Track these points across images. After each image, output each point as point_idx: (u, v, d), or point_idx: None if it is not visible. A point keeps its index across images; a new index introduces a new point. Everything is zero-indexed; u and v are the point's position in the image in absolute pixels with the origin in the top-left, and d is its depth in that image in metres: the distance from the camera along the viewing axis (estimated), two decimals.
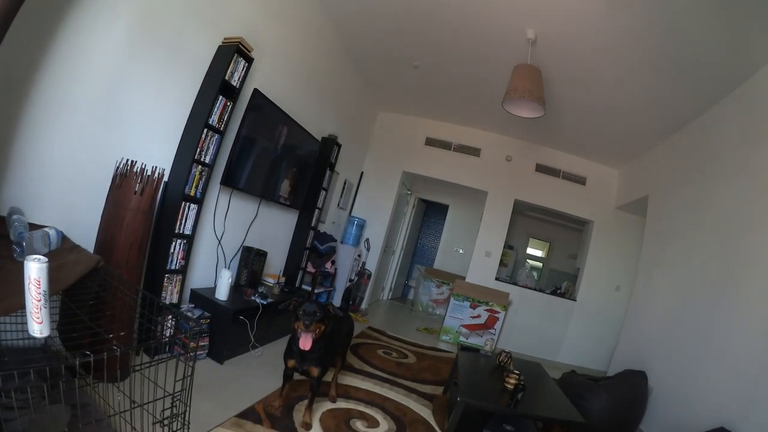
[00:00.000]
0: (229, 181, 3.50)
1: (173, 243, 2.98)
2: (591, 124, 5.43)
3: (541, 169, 6.81)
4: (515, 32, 3.85)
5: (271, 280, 4.30)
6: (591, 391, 3.52)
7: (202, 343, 3.13)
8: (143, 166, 2.43)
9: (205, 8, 3.01)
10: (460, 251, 9.51)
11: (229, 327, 3.22)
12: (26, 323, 1.22)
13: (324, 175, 5.25)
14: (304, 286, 5.30)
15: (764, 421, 2.52)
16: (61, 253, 1.80)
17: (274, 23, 3.76)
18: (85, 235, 2.30)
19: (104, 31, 2.32)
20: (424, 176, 7.31)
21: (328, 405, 2.95)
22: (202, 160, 3.04)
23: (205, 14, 3.00)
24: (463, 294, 6.31)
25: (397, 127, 7.23)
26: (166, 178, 2.88)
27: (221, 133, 3.16)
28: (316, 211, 5.26)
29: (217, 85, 3.02)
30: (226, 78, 3.06)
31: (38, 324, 1.20)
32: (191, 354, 1.49)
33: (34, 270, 1.18)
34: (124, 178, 2.37)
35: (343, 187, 6.47)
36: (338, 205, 6.45)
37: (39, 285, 1.19)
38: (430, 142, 7.09)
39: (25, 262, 1.18)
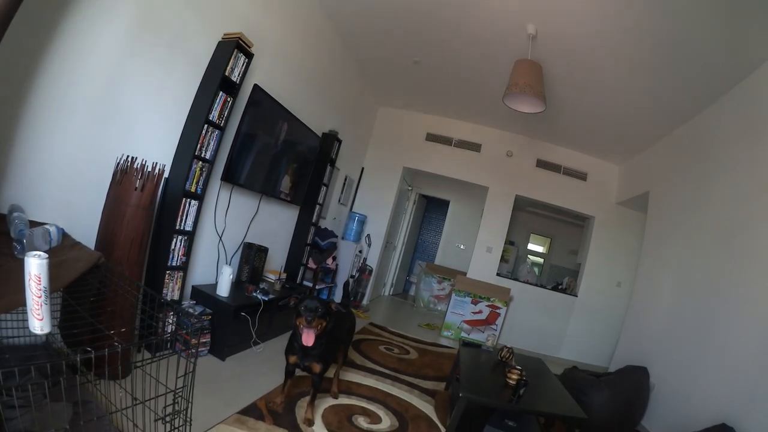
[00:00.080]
0: (229, 177, 3.49)
1: (174, 239, 2.98)
2: (591, 120, 5.41)
3: (541, 164, 6.79)
4: (515, 27, 3.82)
5: (272, 277, 4.30)
6: (593, 386, 3.52)
7: (204, 340, 3.12)
8: (144, 162, 2.42)
9: (205, 3, 2.99)
10: (461, 247, 9.51)
11: (230, 323, 3.21)
12: (27, 321, 1.21)
13: (325, 170, 5.24)
14: (305, 282, 5.31)
15: (766, 418, 2.52)
16: (61, 250, 1.80)
17: (274, 19, 3.74)
18: (86, 232, 2.30)
19: (104, 28, 2.30)
20: (424, 172, 7.29)
21: (330, 401, 2.95)
22: (202, 156, 3.03)
23: (204, 9, 2.98)
24: (464, 290, 6.31)
25: (398, 123, 7.21)
26: (166, 174, 2.87)
27: (222, 129, 3.15)
28: (317, 207, 5.26)
29: (217, 81, 3.00)
30: (226, 74, 3.05)
31: (39, 321, 1.20)
32: (193, 350, 1.48)
33: (35, 266, 1.17)
34: (125, 174, 2.36)
35: (344, 183, 6.46)
36: (339, 201, 6.44)
37: (39, 281, 1.18)
38: (431, 137, 7.07)
39: (26, 258, 1.18)
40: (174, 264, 3.03)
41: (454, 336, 6.17)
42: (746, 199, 3.32)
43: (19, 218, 1.71)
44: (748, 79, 3.56)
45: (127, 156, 2.44)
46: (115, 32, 2.38)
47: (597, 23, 3.50)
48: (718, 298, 3.33)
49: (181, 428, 1.46)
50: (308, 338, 2.38)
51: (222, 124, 3.14)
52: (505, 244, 7.00)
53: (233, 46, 3.04)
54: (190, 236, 3.11)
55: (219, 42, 3.10)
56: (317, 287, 5.41)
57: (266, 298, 3.60)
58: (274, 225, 4.64)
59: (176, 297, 3.09)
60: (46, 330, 1.21)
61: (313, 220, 5.25)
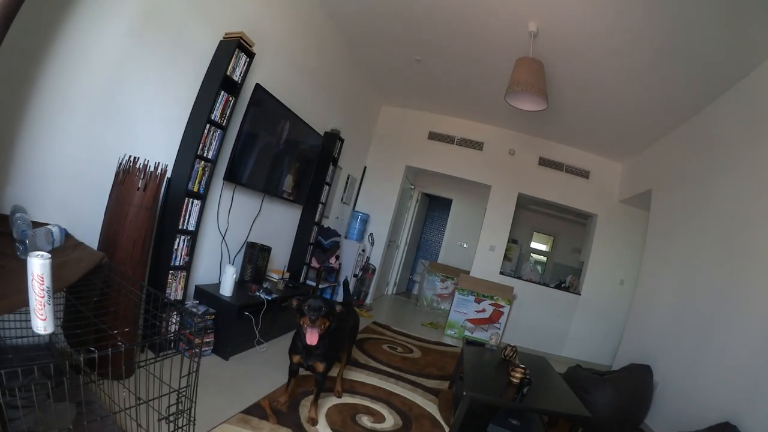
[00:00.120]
0: (232, 176, 3.49)
1: (177, 239, 2.98)
2: (593, 118, 5.38)
3: (544, 162, 6.77)
4: (517, 25, 3.81)
5: (275, 276, 4.30)
6: (596, 385, 3.51)
7: (207, 340, 3.13)
8: (146, 162, 2.42)
9: (206, 3, 2.99)
10: (464, 245, 9.50)
11: (233, 323, 3.22)
12: (30, 321, 1.21)
13: (327, 169, 5.24)
14: (308, 282, 5.30)
15: None
16: (64, 250, 1.80)
17: (276, 18, 3.74)
18: (89, 232, 2.30)
19: (105, 28, 2.31)
20: (427, 170, 7.28)
21: (334, 400, 2.95)
22: (204, 155, 3.03)
23: (206, 9, 2.98)
24: (467, 288, 6.30)
25: (400, 122, 7.20)
26: (168, 174, 2.88)
27: (224, 129, 3.15)
28: (320, 206, 5.26)
29: (218, 81, 3.00)
30: (228, 73, 3.04)
31: (42, 321, 1.20)
32: (196, 350, 1.48)
33: (37, 266, 1.17)
34: (127, 174, 2.36)
35: (347, 182, 6.45)
36: (342, 200, 6.44)
37: (42, 281, 1.18)
38: (433, 136, 7.05)
39: (28, 258, 1.18)
40: (177, 264, 3.02)
41: (457, 335, 6.16)
42: (746, 198, 3.32)
43: (22, 219, 1.72)
44: (749, 78, 3.55)
45: (130, 156, 2.45)
46: (116, 32, 2.38)
47: (598, 22, 3.49)
48: (721, 296, 3.32)
49: (184, 428, 1.46)
50: (312, 337, 2.37)
51: (224, 124, 3.14)
52: (508, 242, 6.99)
53: (234, 46, 3.04)
54: (193, 236, 3.11)
55: (220, 41, 3.10)
56: (320, 286, 5.41)
57: (269, 298, 3.60)
58: (276, 224, 4.64)
59: (179, 297, 3.09)
60: (50, 330, 1.21)
61: (316, 220, 5.25)
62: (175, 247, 2.98)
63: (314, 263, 5.41)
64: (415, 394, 3.40)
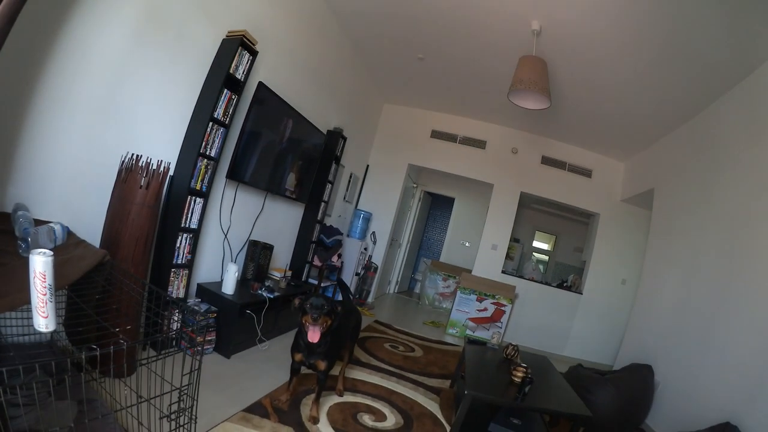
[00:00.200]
0: (234, 174, 3.49)
1: (179, 237, 2.98)
2: (595, 116, 5.37)
3: (546, 161, 6.76)
4: (520, 24, 3.80)
5: (277, 274, 4.30)
6: (598, 384, 3.50)
7: (209, 338, 3.13)
8: (148, 160, 2.42)
9: (208, 2, 2.98)
10: (467, 244, 9.48)
11: (235, 321, 3.22)
12: (32, 318, 1.21)
13: (330, 168, 5.24)
14: (310, 280, 5.31)
15: None
16: (66, 248, 1.80)
17: (279, 16, 3.73)
18: (91, 230, 2.30)
19: (106, 27, 2.30)
20: (429, 169, 7.28)
21: (336, 399, 2.95)
22: (207, 153, 3.03)
23: (208, 7, 2.98)
24: (469, 287, 6.30)
25: (403, 120, 7.19)
26: (171, 172, 2.88)
27: (226, 127, 3.15)
28: (322, 204, 5.26)
29: (221, 79, 2.99)
30: (231, 71, 3.04)
31: (44, 318, 1.20)
32: (198, 348, 1.48)
33: (39, 263, 1.17)
34: (130, 172, 2.36)
35: (349, 181, 6.45)
36: (344, 198, 6.43)
37: (44, 279, 1.18)
38: (436, 134, 7.05)
39: (30, 255, 1.17)
40: (179, 262, 3.03)
41: (459, 334, 6.16)
42: (747, 198, 3.31)
43: (24, 217, 1.72)
44: (750, 78, 3.54)
45: (132, 154, 2.45)
46: (117, 32, 2.38)
47: (601, 21, 3.48)
48: (722, 296, 3.31)
49: (186, 426, 1.46)
50: (314, 336, 2.38)
51: (227, 122, 3.14)
52: (510, 241, 6.97)
53: (237, 44, 3.04)
54: (196, 234, 3.11)
55: (223, 40, 3.09)
56: (323, 285, 5.41)
57: (271, 296, 3.60)
58: (279, 222, 4.64)
59: (181, 295, 3.09)
60: (51, 328, 1.22)
61: (318, 218, 5.25)
62: (178, 245, 2.98)
63: (316, 261, 5.41)
64: (416, 393, 3.40)
